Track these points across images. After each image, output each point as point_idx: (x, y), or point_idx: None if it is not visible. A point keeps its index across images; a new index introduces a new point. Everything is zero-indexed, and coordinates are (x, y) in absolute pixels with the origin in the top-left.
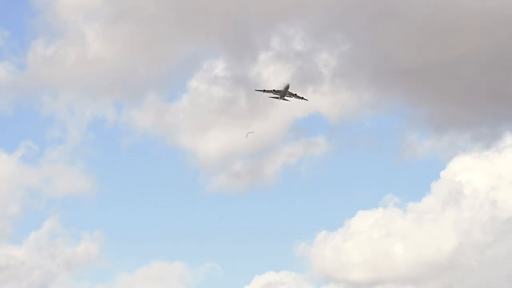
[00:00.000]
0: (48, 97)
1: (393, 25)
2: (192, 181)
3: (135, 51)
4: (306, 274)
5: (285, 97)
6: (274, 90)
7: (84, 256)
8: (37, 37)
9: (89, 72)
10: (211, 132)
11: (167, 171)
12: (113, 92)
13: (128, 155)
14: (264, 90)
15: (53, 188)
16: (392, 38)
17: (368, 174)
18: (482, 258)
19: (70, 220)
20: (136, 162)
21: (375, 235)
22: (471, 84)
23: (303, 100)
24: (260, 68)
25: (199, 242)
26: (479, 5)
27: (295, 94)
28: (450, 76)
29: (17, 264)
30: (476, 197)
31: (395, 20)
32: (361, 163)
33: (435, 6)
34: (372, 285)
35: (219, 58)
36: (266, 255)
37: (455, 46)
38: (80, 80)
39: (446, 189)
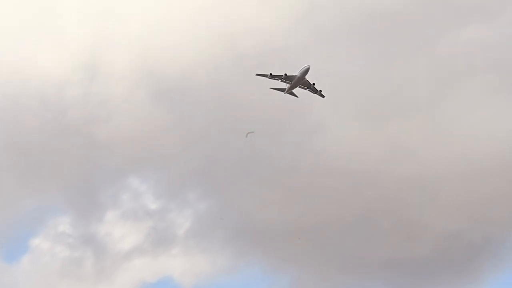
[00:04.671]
0: None
1: (254, 183)
2: None
3: None
4: None
5: (293, 91)
6: (285, 75)
7: None
8: None
9: None
10: None
11: None
12: None
13: None
14: (270, 75)
15: None
16: (252, 197)
17: None
18: None
19: None
20: None
21: None
22: (337, 248)
23: (319, 96)
24: (109, 226)
25: None
26: (345, 165)
27: (313, 85)
28: (315, 238)
29: None
30: None
31: (255, 178)
32: None
33: (298, 163)
34: None
35: (65, 215)
36: None
37: (320, 207)
38: None
39: None
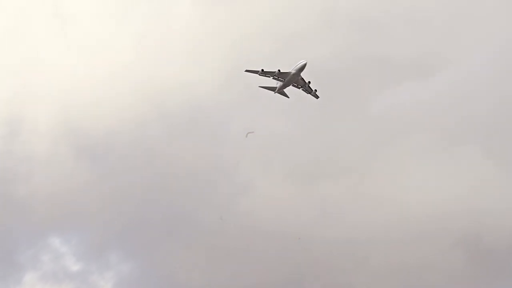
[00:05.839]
0: None
1: (179, 245)
2: None
3: None
4: None
5: (285, 90)
6: (279, 71)
7: None
8: None
9: None
10: None
11: None
12: None
13: None
14: (262, 71)
15: None
16: (177, 259)
17: None
18: None
19: None
20: None
21: None
22: None
23: (314, 96)
24: None
25: None
26: (273, 228)
27: (308, 83)
28: None
29: None
30: None
31: (180, 239)
32: None
33: (225, 225)
34: None
35: None
36: None
37: (247, 270)
38: None
39: None
